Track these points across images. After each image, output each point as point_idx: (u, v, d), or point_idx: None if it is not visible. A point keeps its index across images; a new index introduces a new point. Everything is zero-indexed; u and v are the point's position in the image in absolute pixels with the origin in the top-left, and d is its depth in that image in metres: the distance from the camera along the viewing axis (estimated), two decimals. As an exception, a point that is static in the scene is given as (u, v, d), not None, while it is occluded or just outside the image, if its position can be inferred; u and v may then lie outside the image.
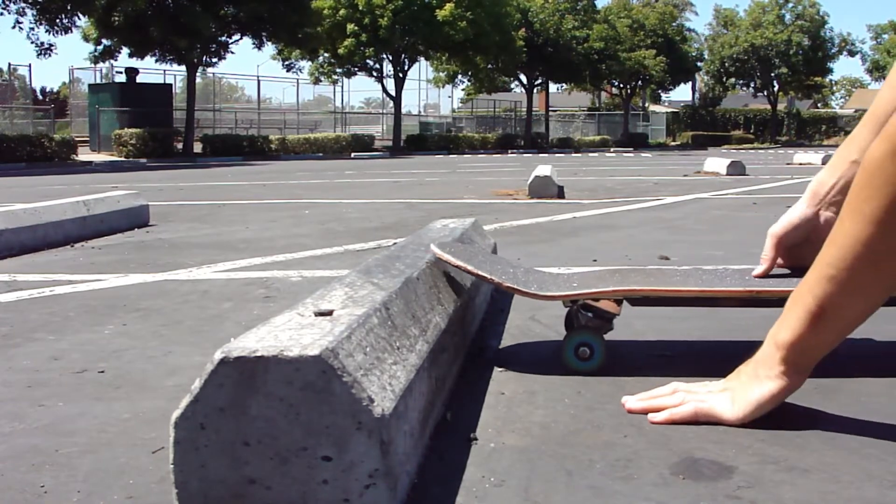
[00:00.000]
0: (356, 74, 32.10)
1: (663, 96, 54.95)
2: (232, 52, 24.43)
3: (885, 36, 47.61)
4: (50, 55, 18.90)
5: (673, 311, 2.29)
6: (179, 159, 21.21)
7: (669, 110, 54.39)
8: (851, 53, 48.58)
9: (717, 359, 1.79)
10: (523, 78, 39.21)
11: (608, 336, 1.68)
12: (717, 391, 1.38)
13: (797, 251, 1.67)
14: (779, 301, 1.56)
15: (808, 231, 1.63)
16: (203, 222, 5.11)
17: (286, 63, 26.69)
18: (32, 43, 18.57)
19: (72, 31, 18.82)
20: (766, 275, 1.67)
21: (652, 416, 1.37)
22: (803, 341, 1.30)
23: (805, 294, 1.29)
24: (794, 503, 1.06)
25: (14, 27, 18.27)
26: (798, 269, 1.64)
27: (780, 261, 1.70)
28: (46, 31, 18.35)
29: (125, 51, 22.42)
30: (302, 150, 25.56)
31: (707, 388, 1.40)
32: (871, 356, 1.78)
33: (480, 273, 1.64)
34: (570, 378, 1.64)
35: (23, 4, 17.94)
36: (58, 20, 18.29)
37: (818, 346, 1.31)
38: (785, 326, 1.32)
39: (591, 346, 1.63)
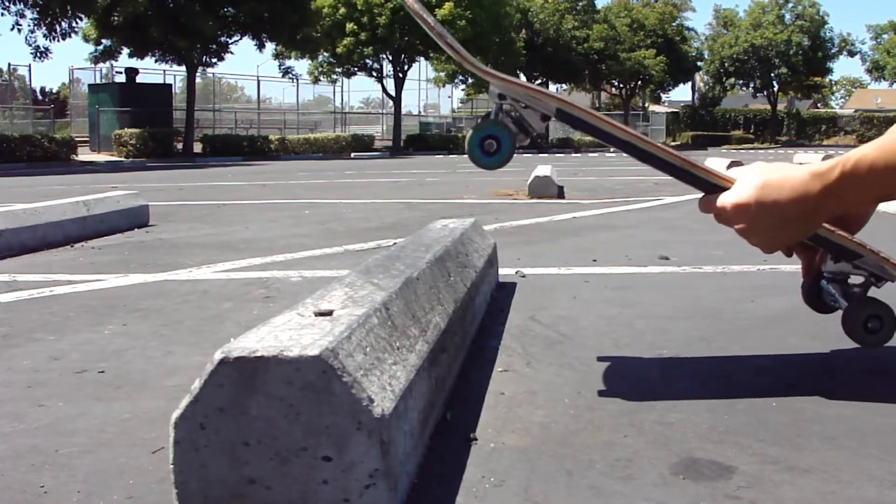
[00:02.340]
0: (356, 74, 32.10)
1: (663, 96, 54.97)
2: (232, 53, 24.45)
3: (885, 36, 47.57)
4: (46, 59, 18.92)
5: (674, 312, 2.29)
6: (179, 159, 21.21)
7: (669, 110, 54.37)
8: (851, 53, 48.59)
9: (718, 358, 1.79)
10: (523, 78, 39.24)
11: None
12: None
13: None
14: (705, 185, 1.52)
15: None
16: (203, 222, 5.11)
17: (283, 68, 26.63)
18: (30, 46, 18.60)
19: (71, 37, 18.85)
20: None
21: None
22: (865, 166, 1.18)
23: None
24: (794, 503, 1.06)
25: (13, 29, 18.31)
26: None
27: None
28: (45, 35, 18.37)
29: (125, 51, 22.43)
30: (302, 151, 25.55)
31: None
32: (870, 357, 1.78)
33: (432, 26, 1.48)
34: (570, 378, 1.64)
35: (22, 6, 17.94)
36: (57, 24, 18.29)
37: (872, 178, 1.18)
38: (861, 149, 1.20)
39: (498, 139, 1.52)
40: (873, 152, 1.19)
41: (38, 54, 18.99)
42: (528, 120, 1.52)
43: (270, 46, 24.60)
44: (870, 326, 1.64)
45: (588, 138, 39.95)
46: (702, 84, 53.71)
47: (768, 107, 51.13)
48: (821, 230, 1.54)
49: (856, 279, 1.68)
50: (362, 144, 27.17)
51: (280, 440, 0.95)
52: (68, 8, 17.84)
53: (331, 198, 7.27)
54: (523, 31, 34.29)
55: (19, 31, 18.48)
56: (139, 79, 25.36)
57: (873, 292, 1.68)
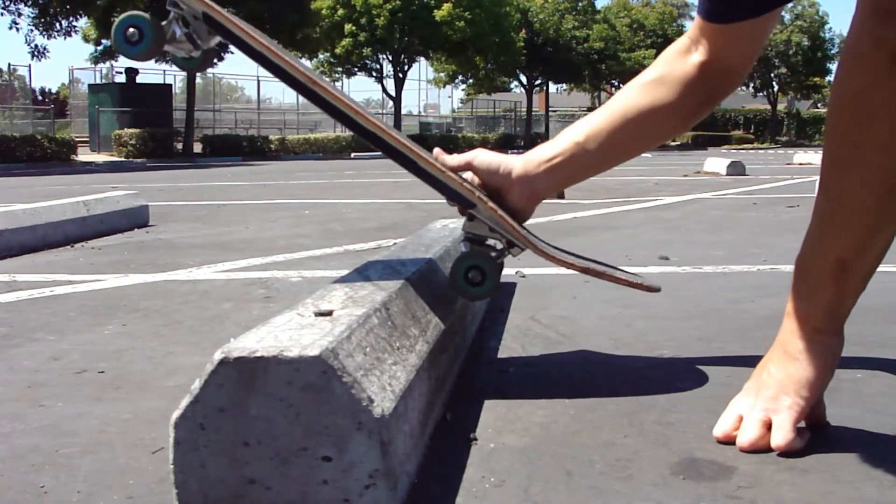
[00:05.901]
0: (356, 74, 32.12)
1: (663, 96, 54.84)
2: (231, 52, 24.47)
3: (885, 36, 47.49)
4: (43, 58, 18.97)
5: (673, 311, 2.29)
6: (179, 159, 21.21)
7: (669, 110, 54.19)
8: (851, 53, 48.54)
9: (718, 358, 1.79)
10: (523, 78, 39.24)
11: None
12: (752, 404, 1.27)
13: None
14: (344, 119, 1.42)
15: (497, 185, 1.52)
16: (203, 222, 5.11)
17: None
18: (27, 44, 18.65)
19: (70, 37, 18.88)
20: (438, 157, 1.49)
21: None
22: (831, 301, 1.24)
23: (816, 255, 1.24)
24: (793, 503, 1.06)
25: (11, 28, 18.34)
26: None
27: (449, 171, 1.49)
28: (42, 34, 18.38)
29: (125, 51, 22.41)
30: (302, 151, 25.56)
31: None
32: (872, 357, 1.78)
33: None
34: (571, 378, 1.64)
35: (21, 4, 17.95)
36: (57, 23, 18.30)
37: (847, 297, 1.26)
38: (804, 295, 1.26)
39: (141, 29, 1.55)
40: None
41: (36, 53, 19.04)
42: (199, 33, 1.56)
43: (270, 46, 24.61)
44: (470, 277, 1.53)
45: (588, 138, 39.83)
46: (701, 84, 53.58)
47: (768, 107, 51.14)
48: (434, 170, 1.45)
49: (494, 243, 1.58)
50: (362, 144, 27.17)
51: (280, 440, 0.95)
52: (67, 7, 17.85)
53: (331, 198, 7.27)
54: (523, 31, 34.30)
55: (17, 30, 18.52)
56: (139, 79, 25.39)
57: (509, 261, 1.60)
